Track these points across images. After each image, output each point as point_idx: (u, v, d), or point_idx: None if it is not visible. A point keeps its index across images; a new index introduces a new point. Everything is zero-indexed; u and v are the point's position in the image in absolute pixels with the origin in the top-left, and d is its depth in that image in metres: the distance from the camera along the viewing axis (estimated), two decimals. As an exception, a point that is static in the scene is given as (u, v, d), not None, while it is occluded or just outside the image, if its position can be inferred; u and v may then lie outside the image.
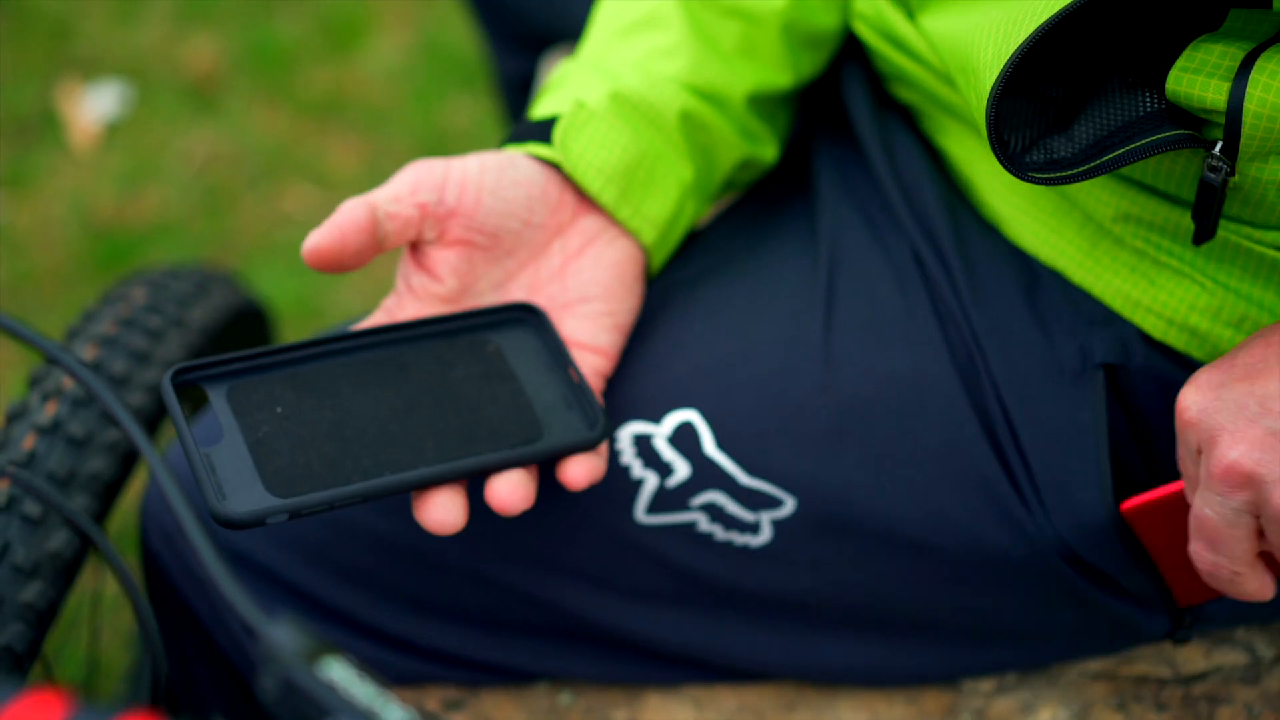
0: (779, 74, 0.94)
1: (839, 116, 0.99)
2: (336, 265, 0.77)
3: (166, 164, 2.21)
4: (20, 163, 2.19)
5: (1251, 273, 0.77)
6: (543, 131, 0.85)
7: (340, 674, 0.53)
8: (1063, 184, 0.74)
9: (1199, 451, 0.72)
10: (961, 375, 0.85)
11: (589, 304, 0.86)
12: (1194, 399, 0.72)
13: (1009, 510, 0.83)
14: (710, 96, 0.90)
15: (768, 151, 0.95)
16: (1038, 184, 0.74)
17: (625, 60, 0.90)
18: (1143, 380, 0.82)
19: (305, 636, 0.54)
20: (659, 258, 0.89)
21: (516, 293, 0.85)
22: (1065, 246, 0.84)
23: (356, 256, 0.78)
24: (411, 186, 0.80)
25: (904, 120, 0.94)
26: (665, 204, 0.88)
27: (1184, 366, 0.81)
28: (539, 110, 0.88)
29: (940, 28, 0.81)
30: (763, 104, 0.94)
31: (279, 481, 0.73)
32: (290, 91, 2.32)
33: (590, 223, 0.86)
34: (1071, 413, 0.82)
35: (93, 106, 2.28)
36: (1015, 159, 0.75)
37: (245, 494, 0.73)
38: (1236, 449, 0.70)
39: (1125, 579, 0.85)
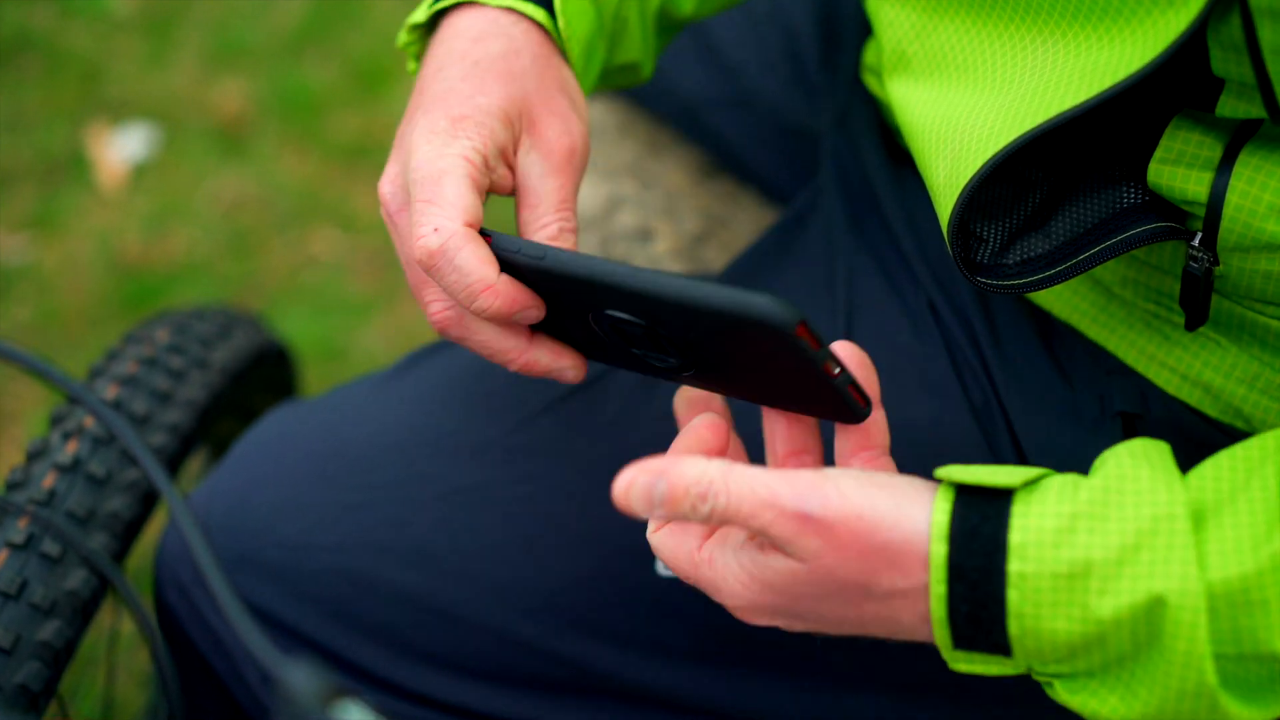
0: (684, 1, 0.93)
1: (853, 165, 0.99)
2: None
3: (194, 206, 2.22)
4: (48, 203, 2.20)
5: (1260, 339, 0.76)
6: None
7: (356, 717, 0.53)
8: (1036, 289, 0.73)
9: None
10: (979, 423, 0.84)
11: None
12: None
13: None
14: None
15: (649, 67, 0.93)
16: (1006, 293, 0.73)
17: None
18: (1161, 430, 0.81)
19: (322, 680, 0.54)
20: None
21: None
22: (1079, 303, 0.83)
23: None
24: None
25: (918, 172, 0.94)
26: (589, 86, 0.85)
27: (1203, 417, 0.81)
28: None
29: (900, 96, 0.80)
30: (661, 20, 0.93)
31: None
32: (318, 136, 2.34)
33: None
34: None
35: (121, 148, 2.30)
36: (989, 264, 0.74)
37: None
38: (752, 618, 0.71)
39: None
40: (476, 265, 0.70)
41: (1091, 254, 0.72)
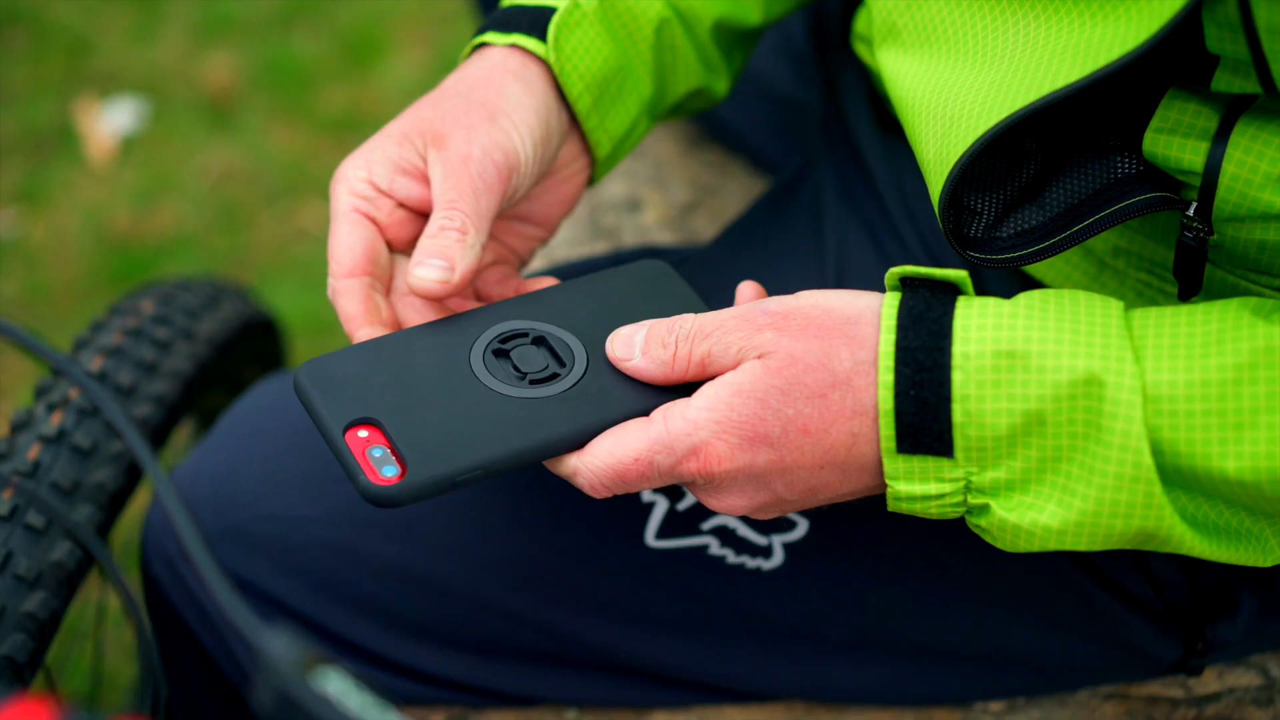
0: (750, 10, 0.93)
1: (843, 134, 0.99)
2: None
3: (182, 179, 2.21)
4: (37, 177, 2.19)
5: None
6: (533, 24, 0.82)
7: (336, 685, 0.52)
8: (1028, 263, 0.73)
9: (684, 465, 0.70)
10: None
11: (526, 225, 0.86)
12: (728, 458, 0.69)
13: None
14: (683, 14, 0.88)
15: (721, 85, 0.94)
16: (997, 267, 0.74)
17: None
18: None
19: (301, 647, 0.53)
20: (603, 172, 0.88)
21: None
22: (1071, 272, 0.83)
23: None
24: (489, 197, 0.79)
25: (908, 141, 0.94)
26: (625, 119, 0.86)
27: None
28: None
29: (890, 68, 0.79)
30: (726, 35, 0.92)
31: None
32: (307, 109, 2.33)
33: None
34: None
35: (109, 122, 2.29)
36: (982, 238, 0.74)
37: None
38: (730, 502, 0.72)
39: (1132, 584, 0.85)
40: (346, 318, 0.78)
41: (1087, 225, 0.71)
